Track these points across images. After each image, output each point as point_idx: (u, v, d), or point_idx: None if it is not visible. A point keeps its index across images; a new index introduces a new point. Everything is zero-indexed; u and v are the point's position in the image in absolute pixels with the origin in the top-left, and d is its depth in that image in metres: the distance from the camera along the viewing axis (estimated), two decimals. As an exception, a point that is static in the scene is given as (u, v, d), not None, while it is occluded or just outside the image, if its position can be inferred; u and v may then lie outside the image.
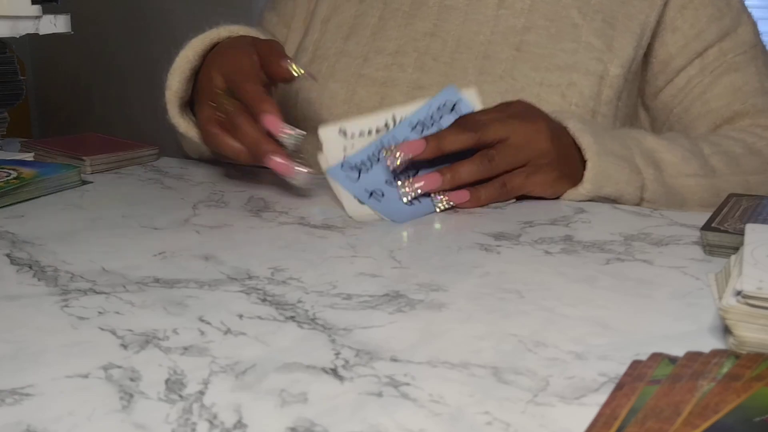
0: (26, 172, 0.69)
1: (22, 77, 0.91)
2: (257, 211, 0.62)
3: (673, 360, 0.34)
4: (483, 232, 0.56)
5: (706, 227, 0.51)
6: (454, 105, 0.64)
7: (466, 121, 0.62)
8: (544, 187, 0.63)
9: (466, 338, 0.38)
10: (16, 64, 0.90)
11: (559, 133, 0.64)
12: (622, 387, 0.32)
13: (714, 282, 0.44)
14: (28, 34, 0.79)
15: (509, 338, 0.38)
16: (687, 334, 0.38)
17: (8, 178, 0.66)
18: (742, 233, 0.46)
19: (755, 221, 0.51)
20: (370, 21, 0.84)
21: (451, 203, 0.61)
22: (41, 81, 2.55)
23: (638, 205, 0.66)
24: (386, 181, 0.61)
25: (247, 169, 0.78)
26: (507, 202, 0.64)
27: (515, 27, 0.77)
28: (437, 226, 0.59)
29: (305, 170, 0.61)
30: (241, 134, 0.62)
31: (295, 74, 0.64)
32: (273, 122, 0.60)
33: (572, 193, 0.64)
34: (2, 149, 0.84)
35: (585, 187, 0.63)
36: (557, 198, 0.65)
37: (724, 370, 0.32)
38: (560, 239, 0.54)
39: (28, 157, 0.79)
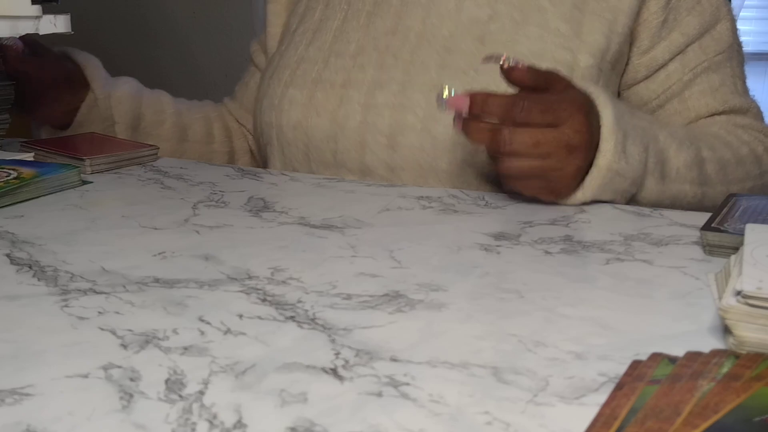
0: (26, 172, 0.69)
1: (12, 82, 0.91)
2: (257, 211, 0.62)
3: (673, 360, 0.34)
4: (483, 232, 0.56)
5: (706, 227, 0.51)
6: None
7: (523, 104, 0.59)
8: (538, 194, 0.63)
9: (466, 338, 0.38)
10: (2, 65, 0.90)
11: (586, 152, 0.61)
12: (622, 387, 0.32)
13: (714, 282, 0.44)
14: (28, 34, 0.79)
15: (509, 338, 0.38)
16: (687, 334, 0.38)
17: (8, 178, 0.66)
18: (742, 233, 0.46)
19: (755, 221, 0.51)
20: (332, 24, 0.83)
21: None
22: (41, 81, 2.55)
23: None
24: None
25: (247, 169, 0.78)
26: (507, 203, 0.64)
27: (479, 18, 0.75)
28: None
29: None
30: None
31: None
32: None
33: (567, 199, 0.63)
34: (2, 149, 0.84)
35: (585, 195, 0.62)
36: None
37: (724, 370, 0.32)
38: (560, 239, 0.54)
39: (28, 157, 0.79)
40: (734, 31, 0.78)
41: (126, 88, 0.91)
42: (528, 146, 0.59)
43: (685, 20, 0.76)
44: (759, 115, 0.80)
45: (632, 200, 0.66)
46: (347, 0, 0.84)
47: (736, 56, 0.79)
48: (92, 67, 0.89)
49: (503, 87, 0.62)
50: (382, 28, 0.80)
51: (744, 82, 0.80)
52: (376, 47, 0.79)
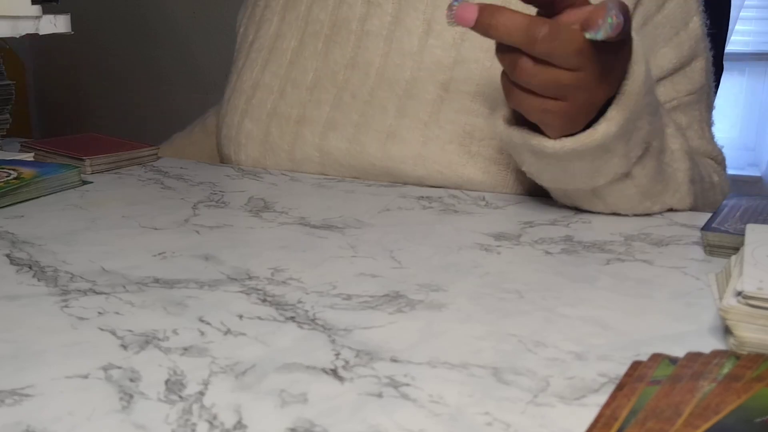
0: (26, 172, 0.69)
1: (12, 81, 0.91)
2: (257, 211, 0.62)
3: (673, 360, 0.34)
4: (483, 232, 0.56)
5: (707, 227, 0.51)
6: None
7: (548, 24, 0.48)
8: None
9: (466, 338, 0.38)
10: (1, 65, 0.91)
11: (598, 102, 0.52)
12: (622, 387, 0.32)
13: (714, 282, 0.44)
14: (28, 34, 0.79)
15: (509, 338, 0.38)
16: (687, 334, 0.38)
17: (8, 178, 0.66)
18: (742, 233, 0.46)
19: (755, 221, 0.51)
20: (288, 45, 0.80)
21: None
22: (41, 81, 2.55)
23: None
24: None
25: (247, 169, 0.78)
26: (507, 203, 0.64)
27: (444, 62, 0.69)
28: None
29: None
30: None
31: None
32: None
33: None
34: (2, 149, 0.84)
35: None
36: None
37: (725, 370, 0.32)
38: (560, 239, 0.54)
39: (28, 157, 0.79)
40: (708, 71, 0.73)
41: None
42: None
43: (661, 51, 0.69)
44: (723, 163, 0.74)
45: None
46: (304, 17, 0.80)
47: (705, 99, 0.73)
48: None
49: (468, 145, 0.58)
50: (341, 59, 0.76)
51: (711, 128, 0.74)
52: (334, 81, 0.76)
